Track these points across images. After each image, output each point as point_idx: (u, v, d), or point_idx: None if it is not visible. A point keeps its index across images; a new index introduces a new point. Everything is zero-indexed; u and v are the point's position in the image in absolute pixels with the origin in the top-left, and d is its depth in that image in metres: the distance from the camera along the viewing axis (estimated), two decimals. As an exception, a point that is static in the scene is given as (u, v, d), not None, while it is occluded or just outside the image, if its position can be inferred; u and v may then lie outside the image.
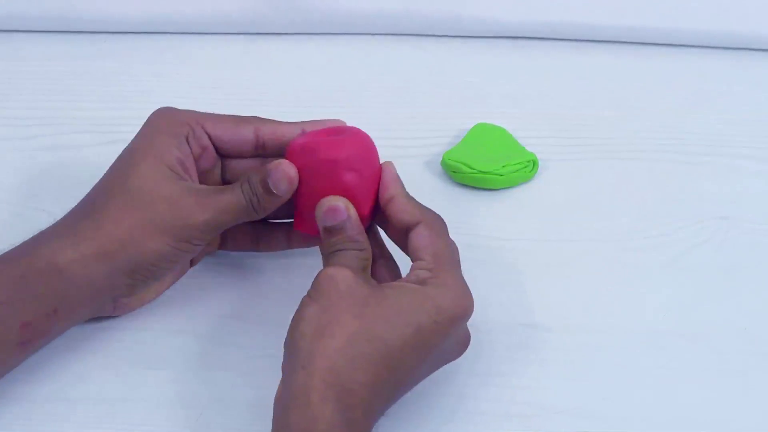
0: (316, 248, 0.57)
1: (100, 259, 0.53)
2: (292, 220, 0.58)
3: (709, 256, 0.64)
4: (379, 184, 0.56)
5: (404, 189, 0.56)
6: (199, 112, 0.58)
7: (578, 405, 0.57)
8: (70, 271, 0.53)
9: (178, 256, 0.55)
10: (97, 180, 0.56)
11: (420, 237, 0.54)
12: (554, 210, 0.67)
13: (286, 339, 0.51)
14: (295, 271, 0.62)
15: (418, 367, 0.52)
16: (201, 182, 0.57)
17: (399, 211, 0.55)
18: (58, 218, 0.56)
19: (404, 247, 0.55)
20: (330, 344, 0.49)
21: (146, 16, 0.79)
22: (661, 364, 0.59)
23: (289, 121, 0.58)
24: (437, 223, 0.55)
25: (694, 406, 0.57)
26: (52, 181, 0.68)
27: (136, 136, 0.57)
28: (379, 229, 0.57)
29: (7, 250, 0.55)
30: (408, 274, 0.54)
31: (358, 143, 0.55)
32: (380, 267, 0.56)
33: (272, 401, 0.50)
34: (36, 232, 0.55)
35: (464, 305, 0.52)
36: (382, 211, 0.56)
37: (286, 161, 0.55)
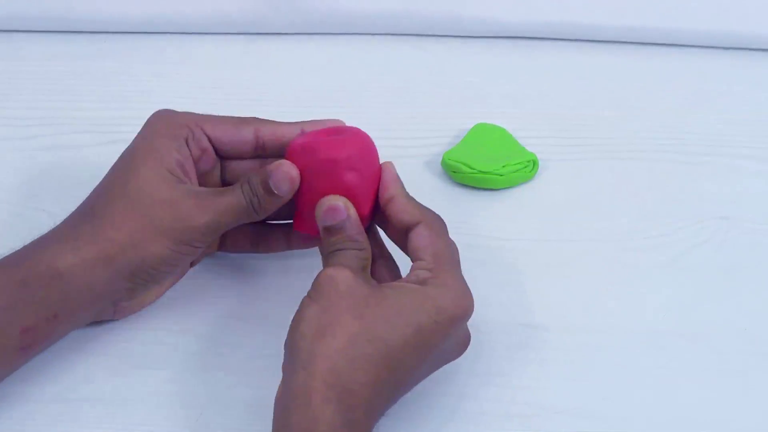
0: (316, 249, 0.57)
1: (100, 263, 0.53)
2: (291, 221, 0.58)
3: (709, 256, 0.64)
4: (378, 184, 0.56)
5: (404, 189, 0.56)
6: (198, 114, 0.58)
7: (578, 405, 0.57)
8: (70, 276, 0.53)
9: (178, 259, 0.55)
10: (97, 180, 0.56)
11: (420, 237, 0.54)
12: (554, 210, 0.67)
13: (286, 339, 0.51)
14: (295, 272, 0.62)
15: (418, 366, 0.52)
16: (200, 184, 0.57)
17: (399, 211, 0.55)
18: (58, 218, 0.56)
19: (404, 247, 0.55)
20: (331, 345, 0.49)
21: (146, 16, 0.79)
22: (661, 364, 0.59)
23: (288, 121, 0.58)
24: (437, 223, 0.55)
25: (694, 406, 0.57)
26: (52, 181, 0.68)
27: (135, 139, 0.56)
28: (379, 229, 0.57)
29: (7, 249, 0.55)
30: (408, 275, 0.54)
31: (358, 143, 0.55)
32: (380, 267, 0.56)
33: (272, 401, 0.50)
34: (36, 232, 0.55)
35: (464, 305, 0.52)
36: (381, 211, 0.56)
37: (287, 162, 0.55)
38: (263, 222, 0.60)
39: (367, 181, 0.55)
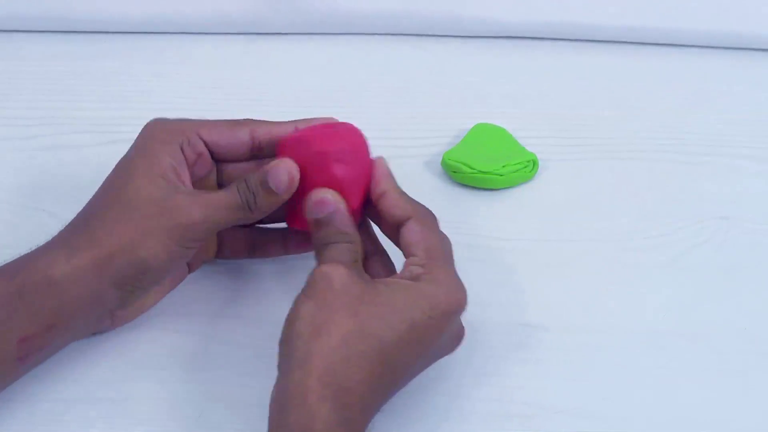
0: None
1: (92, 270, 0.53)
2: (288, 227, 0.58)
3: (709, 256, 0.65)
4: (370, 179, 0.56)
5: (396, 184, 0.56)
6: (192, 120, 0.57)
7: (578, 405, 0.57)
8: (65, 284, 0.52)
9: (171, 260, 0.54)
10: (97, 180, 0.56)
11: (412, 232, 0.54)
12: (554, 210, 0.67)
13: (281, 337, 0.51)
14: (295, 272, 0.62)
15: (413, 362, 0.52)
16: (197, 188, 0.57)
17: (391, 206, 0.55)
18: (58, 218, 0.56)
19: (397, 242, 0.55)
20: (326, 343, 0.49)
21: (146, 16, 0.79)
22: (661, 364, 0.59)
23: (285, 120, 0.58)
24: (428, 218, 0.55)
25: (694, 406, 0.57)
26: (52, 181, 0.68)
27: (129, 148, 0.56)
28: (373, 225, 0.57)
29: (7, 249, 0.54)
30: (401, 270, 0.54)
31: (349, 137, 0.56)
32: (375, 263, 0.56)
33: (272, 401, 0.50)
34: (36, 232, 0.55)
35: (457, 300, 0.52)
36: (374, 206, 0.56)
37: (287, 159, 0.55)
38: (259, 226, 0.60)
39: (358, 175, 0.55)
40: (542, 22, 0.79)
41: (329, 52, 0.79)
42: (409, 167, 0.68)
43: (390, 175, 0.56)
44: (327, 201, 0.54)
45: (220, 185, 0.58)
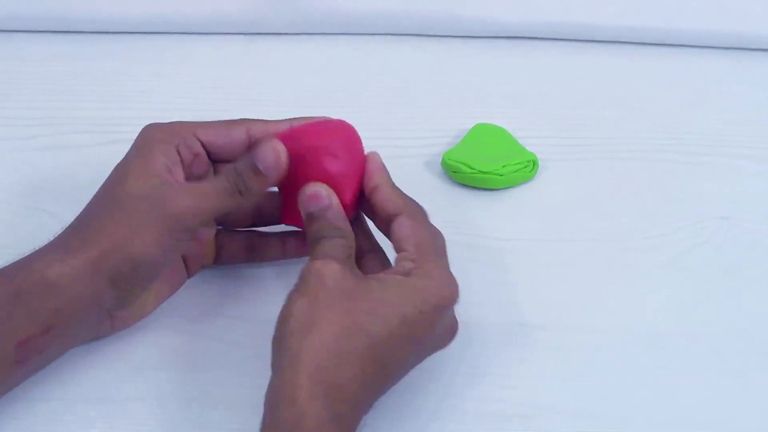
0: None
1: (88, 270, 0.52)
2: (285, 230, 0.58)
3: (709, 256, 0.65)
4: (363, 174, 0.56)
5: (389, 179, 0.56)
6: (188, 121, 0.58)
7: (578, 405, 0.57)
8: (61, 285, 0.52)
9: (163, 255, 0.54)
10: (97, 180, 0.56)
11: (402, 227, 0.54)
12: (554, 210, 0.67)
13: (273, 335, 0.51)
14: (294, 272, 0.61)
15: (405, 358, 0.52)
16: None
17: (383, 200, 0.55)
18: (58, 218, 0.56)
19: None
20: (317, 340, 0.49)
21: (146, 16, 0.79)
22: (661, 364, 0.59)
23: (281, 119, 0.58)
24: (419, 213, 0.55)
25: (694, 406, 0.57)
26: (52, 181, 0.68)
27: (128, 151, 0.56)
28: (370, 222, 0.57)
29: (6, 249, 0.55)
30: (393, 266, 0.54)
31: (341, 132, 0.56)
32: (370, 260, 0.56)
33: (272, 401, 0.50)
34: (36, 232, 0.55)
35: (448, 294, 0.52)
36: (367, 201, 0.56)
37: (273, 140, 0.54)
38: (257, 230, 0.60)
39: (351, 170, 0.55)
40: (542, 22, 0.79)
41: (329, 52, 0.79)
42: (409, 167, 0.68)
43: (383, 170, 0.56)
44: (320, 194, 0.54)
45: None
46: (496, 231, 0.66)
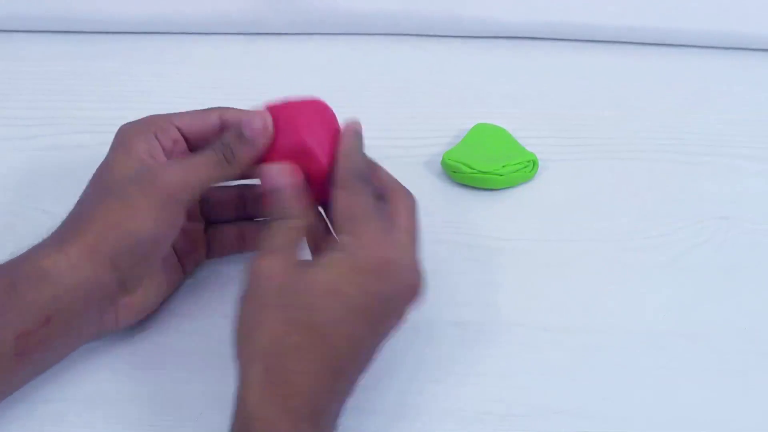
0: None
1: (85, 256, 0.53)
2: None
3: (709, 256, 0.65)
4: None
5: (357, 148, 0.55)
6: (164, 113, 0.58)
7: (578, 405, 0.57)
8: (57, 275, 0.52)
9: (158, 230, 0.54)
10: (96, 181, 0.57)
11: (335, 200, 0.53)
12: (554, 210, 0.67)
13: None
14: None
15: (361, 339, 0.51)
16: None
17: (339, 168, 0.54)
18: (58, 218, 0.56)
19: None
20: (259, 342, 0.49)
21: (146, 16, 0.79)
22: (661, 364, 0.59)
23: None
24: (351, 182, 0.54)
25: (694, 406, 0.57)
26: (52, 181, 0.68)
27: (107, 152, 0.57)
28: None
29: (6, 249, 0.55)
30: (334, 244, 0.53)
31: (313, 107, 0.57)
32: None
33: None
34: (36, 232, 0.55)
35: (380, 255, 0.51)
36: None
37: (262, 110, 0.55)
38: (248, 221, 0.61)
39: (322, 142, 0.55)
40: (542, 22, 0.79)
41: (329, 52, 0.79)
42: (409, 167, 0.68)
43: (353, 137, 0.55)
44: (273, 173, 0.54)
45: None
46: (496, 231, 0.66)
